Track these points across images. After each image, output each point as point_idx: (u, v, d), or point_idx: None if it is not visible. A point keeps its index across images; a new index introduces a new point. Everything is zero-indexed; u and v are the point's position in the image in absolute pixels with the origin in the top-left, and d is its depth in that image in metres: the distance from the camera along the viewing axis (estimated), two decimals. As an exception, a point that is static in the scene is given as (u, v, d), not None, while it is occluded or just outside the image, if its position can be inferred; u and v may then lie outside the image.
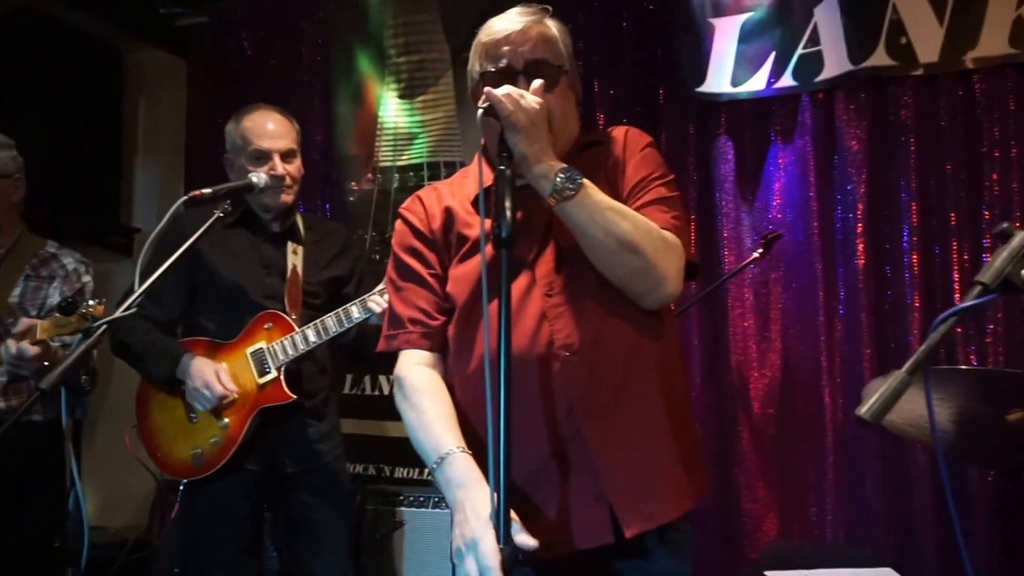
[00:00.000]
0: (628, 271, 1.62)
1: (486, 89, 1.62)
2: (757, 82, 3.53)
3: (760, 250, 3.26)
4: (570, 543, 1.61)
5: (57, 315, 2.40)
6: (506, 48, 1.73)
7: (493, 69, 1.73)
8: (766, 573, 2.35)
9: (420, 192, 1.87)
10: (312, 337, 2.68)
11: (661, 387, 1.69)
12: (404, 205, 1.87)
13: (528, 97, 1.61)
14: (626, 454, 1.63)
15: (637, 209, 1.69)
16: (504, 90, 1.61)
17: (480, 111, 1.60)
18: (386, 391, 3.96)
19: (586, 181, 1.61)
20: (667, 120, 3.71)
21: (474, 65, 1.79)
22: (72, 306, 2.34)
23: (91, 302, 2.35)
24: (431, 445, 1.61)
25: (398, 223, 1.86)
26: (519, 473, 1.52)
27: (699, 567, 3.35)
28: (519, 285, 1.68)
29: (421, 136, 4.03)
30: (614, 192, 1.72)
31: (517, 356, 1.54)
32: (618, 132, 1.85)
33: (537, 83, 1.67)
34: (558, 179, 1.58)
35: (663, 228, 1.66)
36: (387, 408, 3.86)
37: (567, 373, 1.62)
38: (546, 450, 1.62)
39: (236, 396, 2.65)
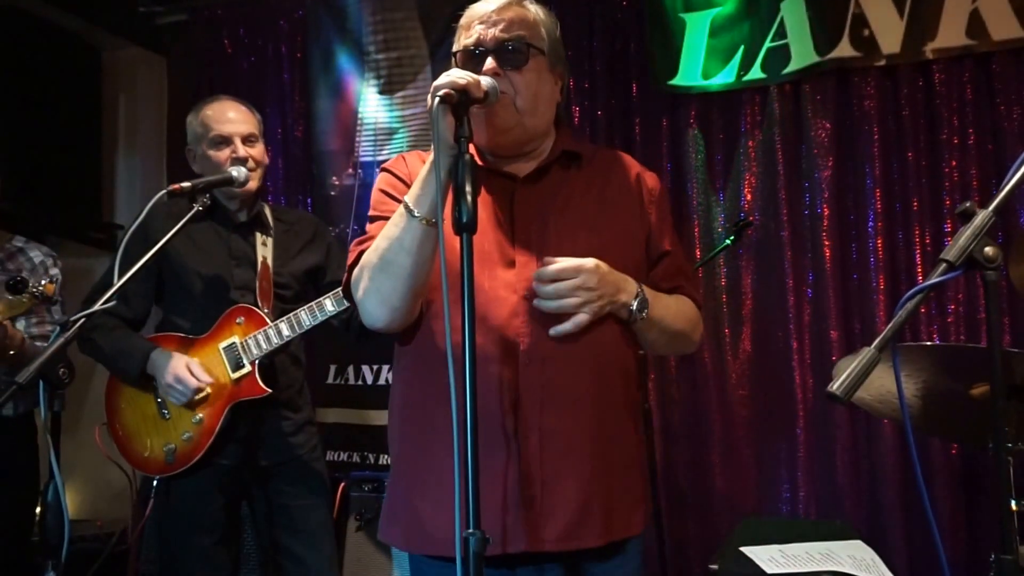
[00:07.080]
0: (677, 350, 1.92)
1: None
2: (727, 75, 3.63)
3: (731, 237, 3.37)
4: (498, 544, 1.57)
5: (8, 296, 2.33)
6: (479, 26, 1.70)
7: (463, 48, 1.71)
8: (741, 549, 2.40)
9: (404, 154, 1.84)
10: (286, 331, 2.64)
11: (624, 396, 1.72)
12: (387, 163, 1.83)
13: (483, 81, 1.57)
14: (573, 467, 1.61)
15: (667, 278, 1.80)
16: (449, 76, 1.51)
17: (437, 99, 1.48)
18: (369, 380, 3.99)
19: (649, 299, 1.69)
20: (640, 112, 3.79)
21: (454, 45, 1.76)
22: (21, 284, 2.27)
23: (42, 281, 2.30)
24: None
25: (381, 175, 1.82)
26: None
27: (675, 545, 3.46)
28: (495, 283, 1.64)
29: (401, 131, 4.07)
30: (606, 207, 1.75)
31: (483, 355, 1.51)
32: (610, 154, 1.87)
33: (490, 64, 1.65)
34: (634, 306, 1.66)
35: (694, 302, 1.83)
36: (370, 397, 3.95)
37: (530, 376, 1.61)
38: (492, 450, 1.58)
39: (210, 390, 2.61)
